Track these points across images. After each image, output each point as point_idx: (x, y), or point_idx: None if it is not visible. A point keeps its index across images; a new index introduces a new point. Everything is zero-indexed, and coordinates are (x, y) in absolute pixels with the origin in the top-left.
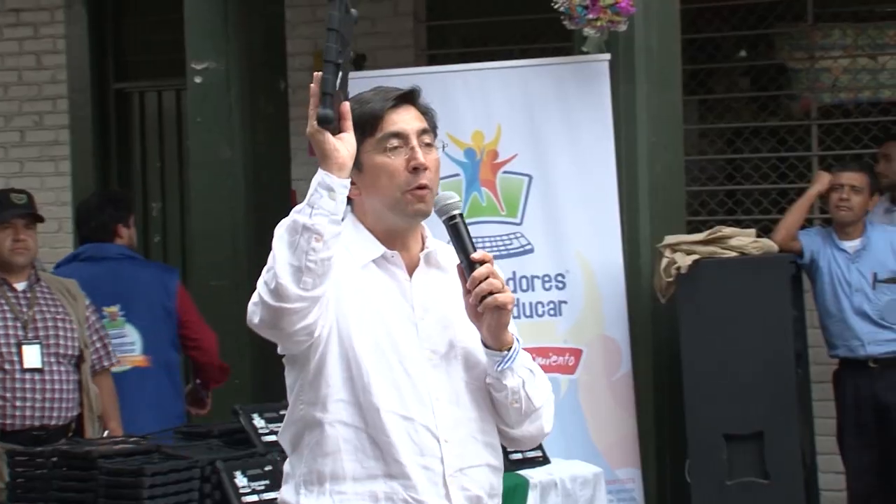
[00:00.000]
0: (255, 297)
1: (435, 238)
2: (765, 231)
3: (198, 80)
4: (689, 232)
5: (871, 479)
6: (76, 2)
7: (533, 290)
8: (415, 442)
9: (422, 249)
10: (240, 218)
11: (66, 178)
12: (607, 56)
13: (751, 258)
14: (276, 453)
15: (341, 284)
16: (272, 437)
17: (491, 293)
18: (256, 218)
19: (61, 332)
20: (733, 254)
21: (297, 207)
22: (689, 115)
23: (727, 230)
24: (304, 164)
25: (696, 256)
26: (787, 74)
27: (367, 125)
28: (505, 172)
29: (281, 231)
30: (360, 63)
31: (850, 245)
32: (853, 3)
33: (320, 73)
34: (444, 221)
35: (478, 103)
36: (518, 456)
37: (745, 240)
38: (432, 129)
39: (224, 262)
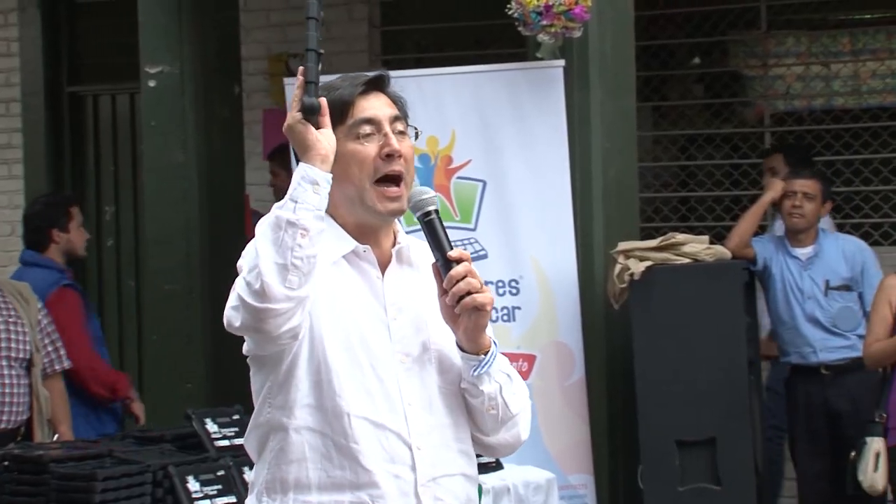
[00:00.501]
0: (233, 301)
1: (407, 233)
2: (718, 238)
3: (152, 83)
4: (643, 238)
5: (823, 485)
6: (30, 4)
7: None
8: (385, 449)
9: (393, 245)
10: (193, 222)
11: (19, 182)
12: (561, 62)
13: (704, 265)
14: (229, 458)
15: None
16: (225, 442)
17: (469, 293)
18: (210, 222)
19: (13, 336)
20: (686, 260)
21: (278, 204)
22: (643, 122)
23: (680, 237)
24: (257, 169)
25: (649, 263)
26: (741, 81)
27: (337, 112)
28: (459, 178)
29: (263, 228)
30: None
31: (803, 252)
32: (806, 11)
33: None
34: (418, 218)
35: (432, 109)
36: None
37: (698, 246)
38: (404, 116)
39: (177, 266)
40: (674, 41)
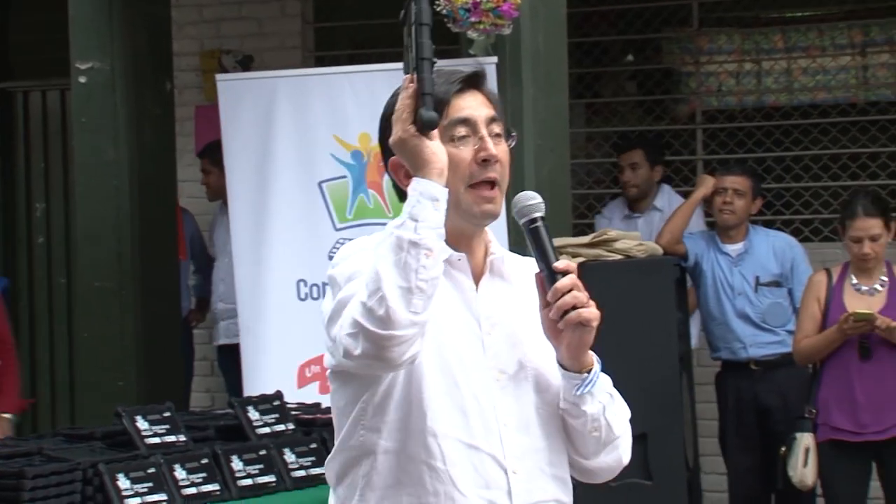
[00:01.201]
0: (349, 328)
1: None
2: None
3: (82, 80)
4: (575, 235)
5: (753, 480)
6: None
7: None
8: (479, 473)
9: (486, 255)
10: (124, 219)
11: None
12: (494, 59)
13: (636, 261)
14: (160, 456)
15: None
16: (155, 440)
17: (575, 307)
18: (141, 219)
19: None
20: (618, 257)
21: (394, 222)
22: (576, 119)
23: (613, 233)
24: (190, 165)
25: (581, 259)
26: (674, 79)
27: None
28: None
29: (383, 251)
30: (246, 64)
31: (733, 248)
32: (737, 8)
33: (410, 74)
34: (523, 225)
35: (365, 105)
36: None
37: (630, 243)
38: (501, 116)
39: (108, 263)
40: (607, 38)
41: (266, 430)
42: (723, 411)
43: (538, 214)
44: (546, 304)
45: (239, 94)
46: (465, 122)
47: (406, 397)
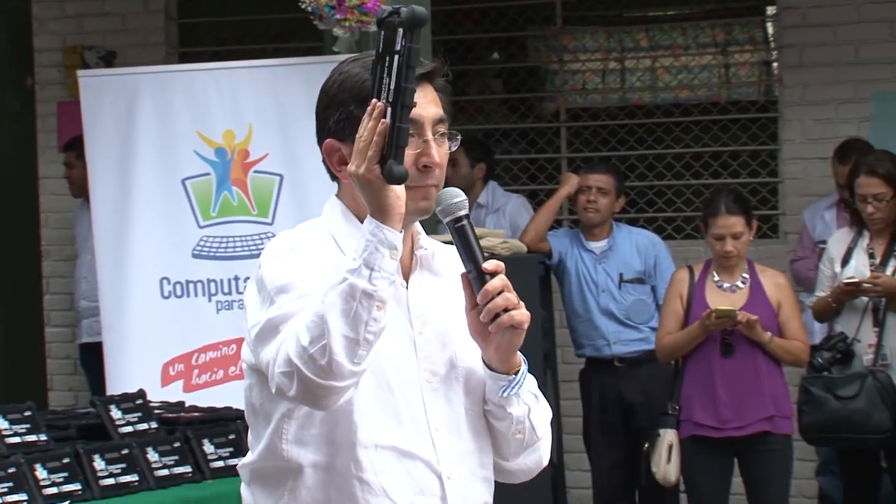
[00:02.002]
0: (284, 365)
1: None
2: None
3: None
4: (440, 233)
5: (617, 477)
6: None
7: None
8: (414, 479)
9: (413, 249)
10: None
11: None
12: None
13: (502, 258)
14: (20, 455)
15: None
16: (16, 439)
17: (506, 310)
18: (2, 216)
19: None
20: None
21: (347, 266)
22: None
23: (476, 231)
24: (52, 162)
25: None
26: (539, 77)
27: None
28: (256, 172)
29: (333, 298)
30: (109, 60)
31: (597, 246)
32: (601, 7)
33: (374, 114)
34: (447, 224)
35: (228, 103)
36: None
37: (494, 240)
38: (448, 114)
39: None
40: (472, 36)
41: (129, 428)
42: (587, 408)
43: (463, 213)
44: (473, 306)
45: (101, 91)
46: (412, 121)
47: (334, 409)
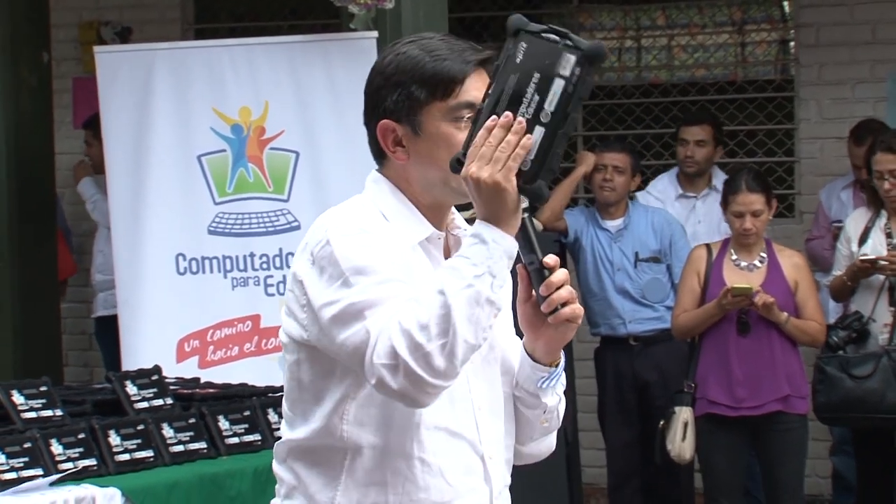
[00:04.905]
0: (388, 357)
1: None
2: (531, 211)
3: None
4: (460, 210)
5: (631, 455)
6: None
7: None
8: (461, 461)
9: (450, 229)
10: (2, 190)
11: None
12: (374, 34)
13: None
14: (36, 430)
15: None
16: (32, 414)
17: (566, 303)
18: (19, 190)
19: None
20: None
21: (470, 269)
22: None
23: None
24: (68, 138)
25: None
26: None
27: (441, 86)
28: (272, 149)
29: (459, 301)
30: (125, 36)
31: (613, 224)
32: None
33: (519, 125)
34: None
35: (244, 79)
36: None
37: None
38: None
39: None
40: (487, 13)
41: (144, 404)
42: (602, 387)
43: (524, 205)
44: (528, 297)
45: (117, 67)
46: (472, 106)
47: None
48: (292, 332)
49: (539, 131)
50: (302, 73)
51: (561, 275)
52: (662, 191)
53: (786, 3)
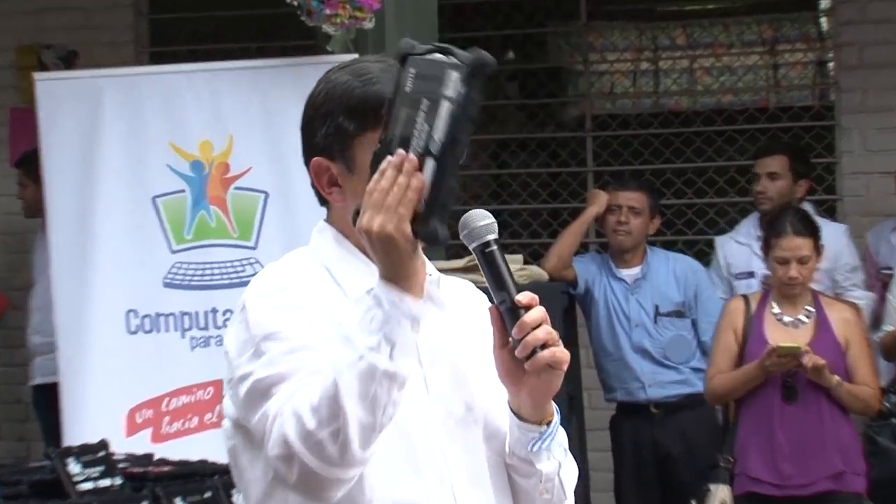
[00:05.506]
0: (280, 447)
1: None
2: (534, 257)
3: None
4: (450, 258)
5: None
6: None
7: None
8: None
9: None
10: None
11: None
12: (354, 56)
13: (520, 288)
14: None
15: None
16: None
17: (546, 345)
18: None
19: None
20: None
21: (363, 339)
22: None
23: None
24: (5, 177)
25: None
26: (560, 79)
27: (370, 114)
28: (237, 189)
29: (349, 378)
30: (70, 61)
31: (629, 273)
32: (630, 1)
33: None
34: (475, 249)
35: (206, 109)
36: None
37: (511, 267)
38: None
39: None
40: (483, 33)
41: (89, 485)
42: (619, 460)
43: (492, 237)
44: (503, 343)
45: (60, 96)
46: None
47: None
48: (227, 411)
49: (430, 165)
50: (272, 103)
51: (536, 313)
52: (746, 234)
53: (823, 20)
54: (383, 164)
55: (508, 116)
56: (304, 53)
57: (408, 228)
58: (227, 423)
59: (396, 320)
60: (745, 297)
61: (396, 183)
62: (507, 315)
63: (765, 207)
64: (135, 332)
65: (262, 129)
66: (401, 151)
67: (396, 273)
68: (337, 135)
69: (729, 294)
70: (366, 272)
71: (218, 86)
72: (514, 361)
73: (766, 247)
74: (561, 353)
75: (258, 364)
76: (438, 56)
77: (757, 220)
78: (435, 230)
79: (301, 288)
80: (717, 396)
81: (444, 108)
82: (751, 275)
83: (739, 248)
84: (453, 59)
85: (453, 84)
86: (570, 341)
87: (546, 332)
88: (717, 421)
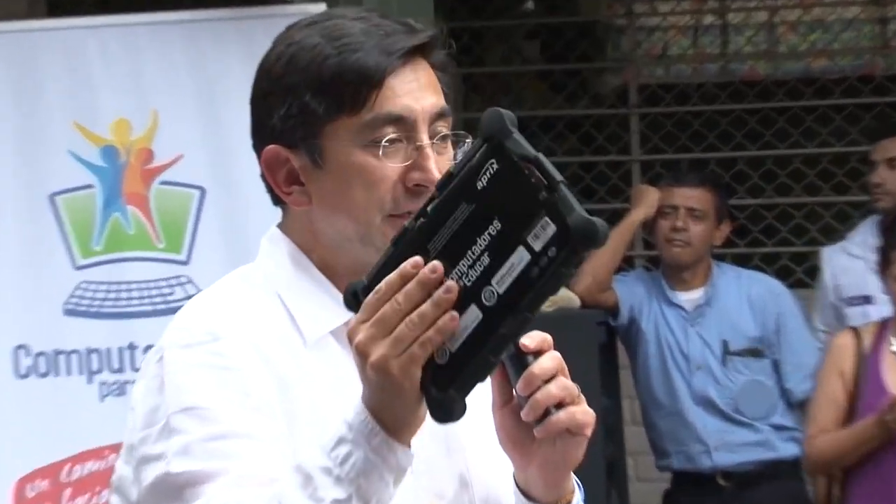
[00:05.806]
0: None
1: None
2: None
3: None
4: None
5: None
6: None
7: None
8: None
9: None
10: None
11: None
12: (321, 6)
13: (541, 317)
14: None
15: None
16: None
17: (561, 405)
18: None
19: None
20: None
21: (329, 492)
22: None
23: None
24: None
25: None
26: (596, 38)
27: (348, 93)
28: (163, 183)
29: None
30: None
31: (689, 298)
32: None
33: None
34: None
35: (123, 77)
36: None
37: None
38: (451, 108)
39: None
40: (492, 22)
41: None
42: None
43: None
44: (506, 401)
45: None
46: (400, 120)
47: None
48: (122, 485)
49: (474, 315)
50: (211, 67)
51: (548, 361)
52: (862, 244)
53: None
54: (408, 264)
55: (527, 87)
56: (253, 2)
57: (418, 375)
58: (115, 499)
59: (378, 474)
60: (856, 331)
61: (419, 310)
62: (509, 364)
63: (884, 205)
64: (26, 376)
65: (196, 103)
66: (437, 264)
67: (390, 418)
68: (301, 117)
69: (835, 325)
70: (332, 306)
71: (138, 46)
72: (521, 425)
73: (884, 261)
74: (583, 414)
75: (171, 447)
76: (536, 174)
77: (875, 224)
78: (451, 402)
79: (240, 337)
80: (820, 464)
81: (520, 256)
82: (867, 300)
83: (852, 262)
84: (555, 197)
85: (544, 236)
86: (608, 389)
87: (562, 386)
88: (807, 497)
